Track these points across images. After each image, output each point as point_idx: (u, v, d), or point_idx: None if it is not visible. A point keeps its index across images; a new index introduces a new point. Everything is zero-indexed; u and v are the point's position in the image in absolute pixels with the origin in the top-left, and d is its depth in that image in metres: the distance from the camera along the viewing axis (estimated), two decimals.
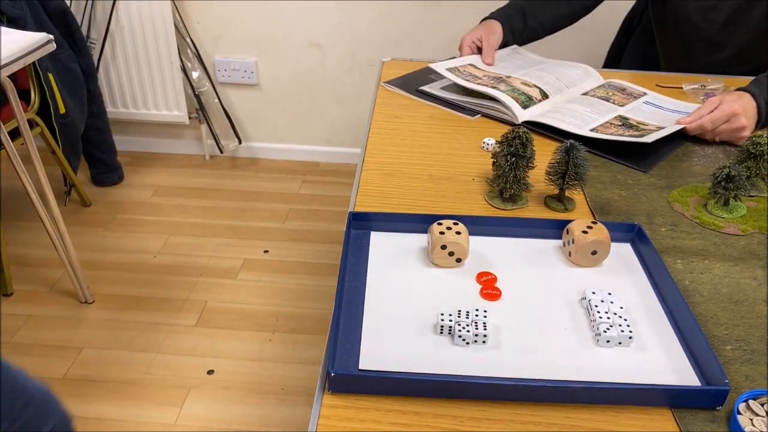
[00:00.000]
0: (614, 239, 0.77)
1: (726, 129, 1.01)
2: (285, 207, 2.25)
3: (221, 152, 2.51)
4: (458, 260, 0.72)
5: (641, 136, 0.98)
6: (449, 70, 1.19)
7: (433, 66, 1.20)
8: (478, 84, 1.14)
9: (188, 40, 2.25)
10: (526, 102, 1.09)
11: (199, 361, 1.60)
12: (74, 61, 2.00)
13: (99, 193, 2.28)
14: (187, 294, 1.82)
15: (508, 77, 1.17)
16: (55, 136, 1.97)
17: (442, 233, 0.71)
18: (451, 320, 0.63)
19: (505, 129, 0.90)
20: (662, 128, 1.02)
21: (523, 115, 1.07)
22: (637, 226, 0.78)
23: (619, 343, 0.62)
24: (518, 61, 1.28)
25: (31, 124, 1.88)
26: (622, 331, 0.62)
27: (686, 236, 0.81)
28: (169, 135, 2.51)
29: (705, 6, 1.24)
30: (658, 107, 1.14)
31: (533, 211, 0.85)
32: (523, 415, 0.56)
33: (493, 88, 1.11)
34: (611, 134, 1.00)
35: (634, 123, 1.05)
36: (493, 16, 1.29)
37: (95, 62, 2.20)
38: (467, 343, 0.62)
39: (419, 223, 0.77)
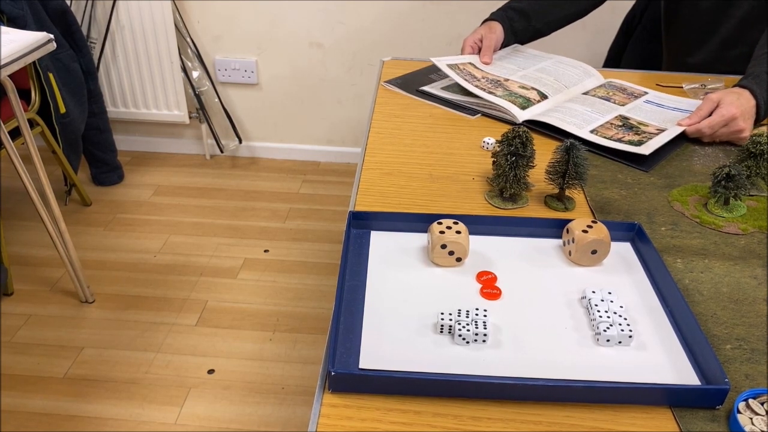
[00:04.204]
0: (614, 238, 0.77)
1: (725, 132, 1.01)
2: (285, 206, 2.25)
3: (221, 152, 2.51)
4: (458, 259, 0.72)
5: (640, 142, 0.98)
6: (450, 66, 1.19)
7: (434, 60, 1.20)
8: (476, 86, 1.14)
9: (188, 39, 2.26)
10: (524, 104, 1.09)
11: (200, 360, 1.60)
12: (74, 60, 2.00)
13: (99, 192, 2.28)
14: (187, 294, 1.82)
15: (506, 80, 1.17)
16: (55, 136, 1.97)
17: (442, 232, 0.71)
18: (451, 319, 0.63)
19: (505, 128, 0.90)
20: (662, 130, 1.02)
21: (522, 115, 1.07)
22: (637, 226, 0.78)
23: (619, 342, 0.62)
24: (518, 59, 1.28)
25: (32, 123, 1.88)
26: (622, 330, 0.62)
27: (686, 235, 0.81)
28: (169, 134, 2.51)
29: (723, 3, 1.24)
30: (659, 106, 1.13)
31: (533, 210, 0.85)
32: (523, 414, 0.56)
33: (490, 92, 1.12)
34: (611, 137, 1.00)
35: (635, 123, 1.05)
36: (493, 17, 1.29)
37: (95, 62, 2.20)
38: (467, 343, 0.62)
39: (419, 222, 0.77)
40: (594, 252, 0.73)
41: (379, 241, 0.76)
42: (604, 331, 0.62)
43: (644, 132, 1.02)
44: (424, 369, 0.59)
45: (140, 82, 2.29)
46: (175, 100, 2.32)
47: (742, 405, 0.56)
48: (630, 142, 0.98)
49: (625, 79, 1.25)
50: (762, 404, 0.56)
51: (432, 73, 1.28)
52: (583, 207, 0.86)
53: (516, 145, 0.81)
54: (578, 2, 1.31)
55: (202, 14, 2.22)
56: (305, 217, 2.19)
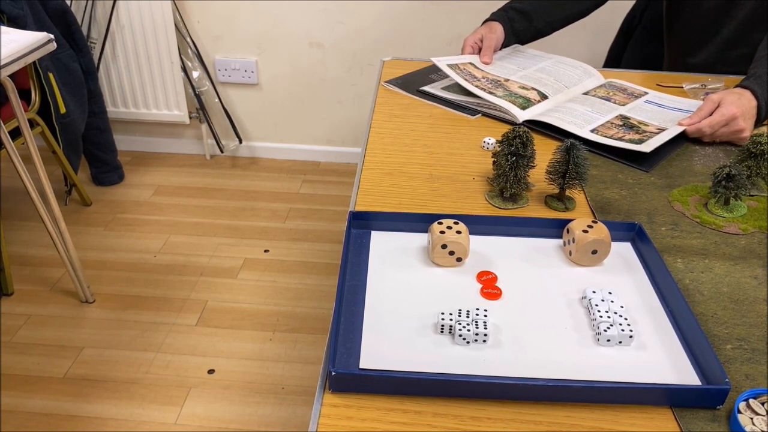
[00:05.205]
0: (615, 238, 0.77)
1: (725, 132, 1.01)
2: (285, 206, 2.25)
3: (221, 152, 2.51)
4: (458, 259, 0.72)
5: (641, 141, 0.98)
6: (450, 66, 1.19)
7: (434, 60, 1.20)
8: (476, 86, 1.14)
9: (188, 39, 2.26)
10: (525, 104, 1.09)
11: (200, 360, 1.60)
12: (75, 60, 2.00)
13: (99, 192, 2.28)
14: (187, 293, 1.82)
15: (506, 80, 1.17)
16: (55, 136, 1.97)
17: (442, 232, 0.71)
18: (451, 319, 0.63)
19: (505, 128, 0.90)
20: (663, 129, 1.02)
21: (522, 115, 1.07)
22: (638, 226, 0.78)
23: (620, 342, 0.62)
24: (518, 59, 1.28)
25: (32, 123, 1.88)
26: (623, 330, 0.62)
27: (687, 235, 0.81)
28: (169, 134, 2.51)
29: (726, 3, 1.24)
30: (660, 106, 1.13)
31: (534, 210, 0.85)
32: (523, 414, 0.56)
33: (490, 93, 1.12)
34: (611, 136, 1.00)
35: (635, 123, 1.05)
36: (494, 17, 1.29)
37: (95, 62, 2.20)
38: (468, 343, 0.62)
39: (419, 222, 0.77)
40: (594, 252, 0.73)
41: (380, 241, 0.76)
42: (605, 331, 0.62)
43: (645, 131, 1.02)
44: (425, 369, 0.59)
45: (140, 82, 2.29)
46: (175, 100, 2.32)
47: (742, 405, 0.56)
48: (631, 141, 0.98)
49: (626, 79, 1.25)
50: (762, 404, 0.56)
51: (432, 73, 1.28)
52: (583, 207, 0.86)
53: (516, 145, 0.81)
54: (580, 2, 1.31)
55: (202, 14, 2.22)
56: (305, 217, 2.19)
